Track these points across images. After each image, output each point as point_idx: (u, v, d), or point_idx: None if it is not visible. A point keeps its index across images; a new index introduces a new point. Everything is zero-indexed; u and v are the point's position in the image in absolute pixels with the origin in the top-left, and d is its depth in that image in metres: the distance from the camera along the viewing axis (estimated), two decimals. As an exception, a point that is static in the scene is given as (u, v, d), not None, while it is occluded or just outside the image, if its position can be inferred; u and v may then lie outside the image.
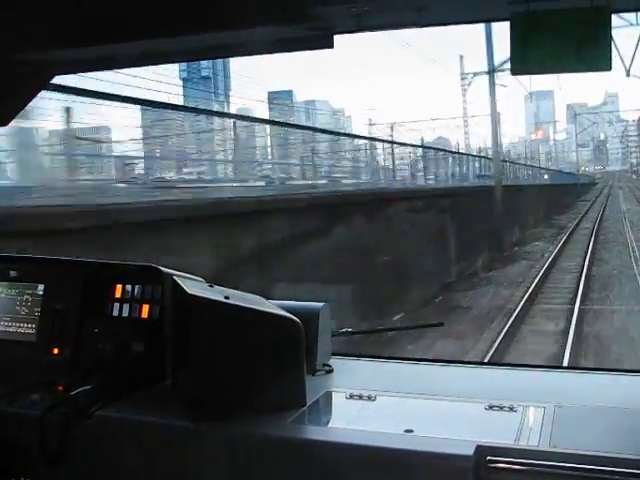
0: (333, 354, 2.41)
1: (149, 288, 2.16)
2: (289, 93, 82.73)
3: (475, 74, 30.36)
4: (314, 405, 2.09)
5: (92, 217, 7.57)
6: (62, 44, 1.98)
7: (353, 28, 2.04)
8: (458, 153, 28.70)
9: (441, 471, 1.75)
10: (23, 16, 1.92)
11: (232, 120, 18.38)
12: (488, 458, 1.73)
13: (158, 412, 2.04)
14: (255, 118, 33.98)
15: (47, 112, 11.00)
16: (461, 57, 34.68)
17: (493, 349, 11.26)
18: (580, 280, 17.18)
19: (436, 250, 16.86)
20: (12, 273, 2.34)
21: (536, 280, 17.46)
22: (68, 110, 10.64)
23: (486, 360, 9.90)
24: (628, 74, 22.51)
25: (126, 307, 2.17)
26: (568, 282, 17.50)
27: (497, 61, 27.63)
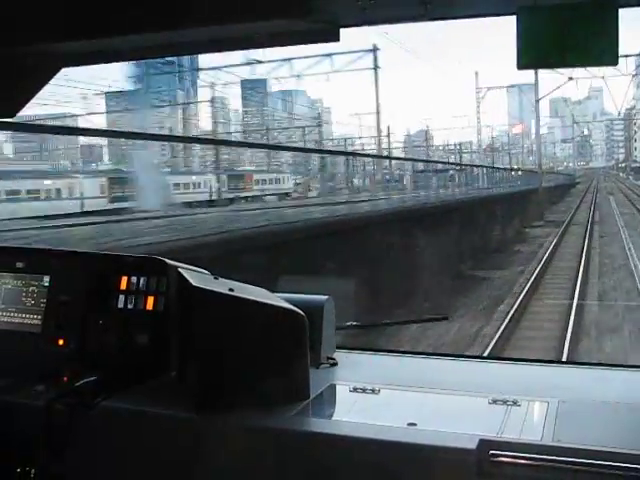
0: (337, 347, 2.42)
1: (154, 280, 2.15)
2: (263, 82, 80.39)
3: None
4: (318, 398, 2.10)
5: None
6: (67, 37, 1.98)
7: (359, 22, 2.06)
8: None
9: (444, 464, 1.77)
10: (28, 9, 1.92)
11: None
12: (491, 452, 1.74)
13: (162, 403, 2.05)
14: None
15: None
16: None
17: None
18: None
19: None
20: (18, 264, 2.33)
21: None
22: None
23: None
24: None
25: (131, 299, 2.16)
26: None
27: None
